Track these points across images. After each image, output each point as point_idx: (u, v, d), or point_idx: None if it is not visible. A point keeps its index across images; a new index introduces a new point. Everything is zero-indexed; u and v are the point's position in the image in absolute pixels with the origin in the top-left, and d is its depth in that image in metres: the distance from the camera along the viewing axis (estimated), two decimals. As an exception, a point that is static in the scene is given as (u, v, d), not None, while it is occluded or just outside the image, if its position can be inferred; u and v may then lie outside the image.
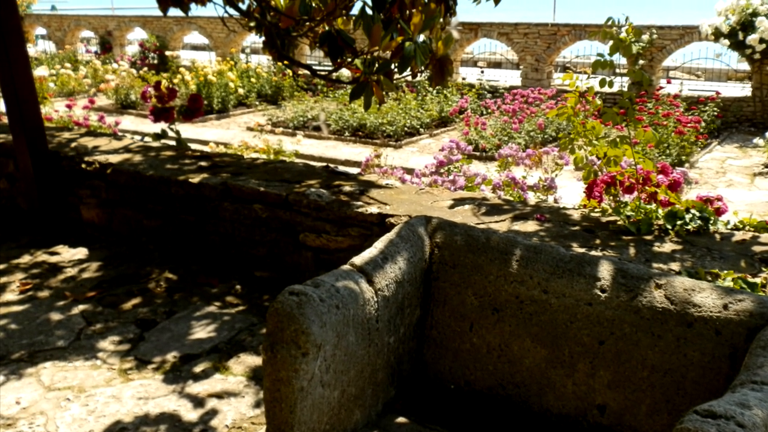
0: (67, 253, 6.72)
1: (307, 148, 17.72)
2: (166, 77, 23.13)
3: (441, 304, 3.62)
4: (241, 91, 24.20)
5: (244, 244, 6.04)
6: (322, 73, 5.56)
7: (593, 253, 4.20)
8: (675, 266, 4.02)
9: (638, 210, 5.12)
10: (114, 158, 6.92)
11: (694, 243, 4.46)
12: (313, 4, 5.13)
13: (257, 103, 24.84)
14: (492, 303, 3.47)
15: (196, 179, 6.16)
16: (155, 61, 30.93)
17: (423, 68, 4.60)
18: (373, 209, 5.19)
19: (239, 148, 11.28)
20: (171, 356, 4.79)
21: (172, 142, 7.68)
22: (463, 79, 26.38)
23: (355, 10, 4.66)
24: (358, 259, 3.29)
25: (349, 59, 4.73)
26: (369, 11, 4.25)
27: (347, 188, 5.74)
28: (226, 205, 6.02)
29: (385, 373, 3.40)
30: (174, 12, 5.56)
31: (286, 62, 5.61)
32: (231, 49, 30.34)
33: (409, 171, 9.15)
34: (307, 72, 5.51)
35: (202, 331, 5.14)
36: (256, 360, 4.72)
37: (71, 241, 7.03)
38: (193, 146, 8.04)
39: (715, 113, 19.80)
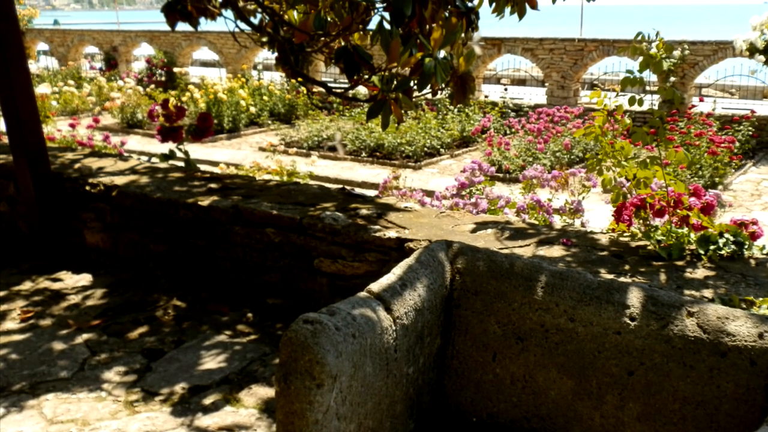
0: (71, 280, 6.76)
1: (322, 170, 17.78)
2: (174, 95, 23.27)
3: (462, 332, 3.63)
4: (252, 109, 24.30)
5: (256, 269, 6.06)
6: (338, 90, 5.59)
7: (622, 279, 4.20)
8: (708, 293, 4.02)
9: (669, 234, 5.13)
10: (119, 180, 6.96)
11: (728, 269, 4.46)
12: (329, 19, 5.16)
13: (270, 122, 24.94)
14: (516, 332, 3.48)
15: (205, 202, 6.20)
16: (163, 78, 31.12)
17: (444, 86, 4.62)
18: (392, 233, 5.21)
19: (251, 169, 11.33)
20: (179, 387, 4.81)
21: (181, 163, 7.72)
22: (486, 96, 26.40)
23: (373, 25, 4.68)
24: (376, 286, 3.31)
25: (366, 76, 4.76)
26: (387, 26, 4.27)
27: (364, 211, 5.77)
28: (237, 229, 6.04)
29: (403, 405, 3.41)
30: (182, 27, 5.61)
31: (300, 79, 5.64)
32: (242, 66, 30.48)
33: (429, 193, 9.16)
34: (322, 89, 5.54)
35: (212, 362, 5.16)
36: (268, 391, 4.73)
37: (74, 266, 7.07)
38: (203, 167, 8.08)
39: (750, 133, 19.75)
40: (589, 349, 3.30)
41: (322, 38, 5.25)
